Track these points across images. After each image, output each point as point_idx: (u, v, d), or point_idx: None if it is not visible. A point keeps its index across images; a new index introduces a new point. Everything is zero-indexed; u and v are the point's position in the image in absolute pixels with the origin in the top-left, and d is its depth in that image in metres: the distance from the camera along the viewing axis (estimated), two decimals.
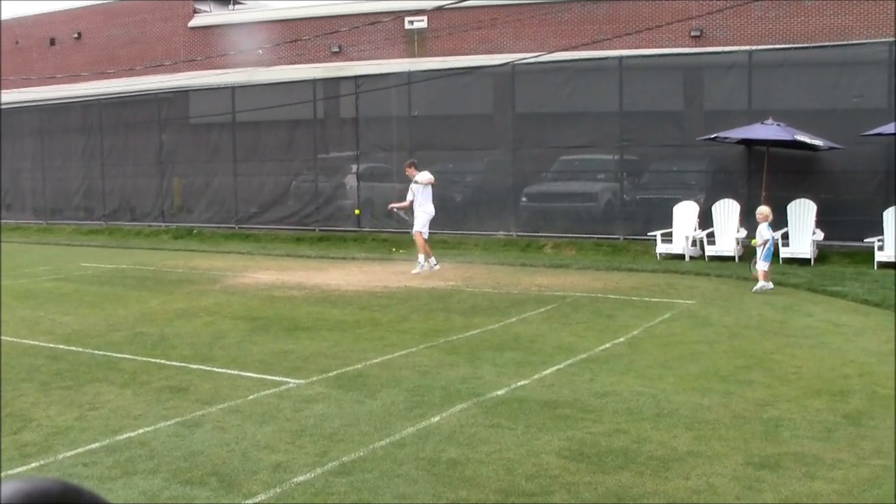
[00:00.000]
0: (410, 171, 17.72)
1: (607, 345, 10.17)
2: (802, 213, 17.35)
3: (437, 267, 17.24)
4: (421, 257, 17.32)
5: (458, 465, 6.13)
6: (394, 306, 13.35)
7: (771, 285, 14.20)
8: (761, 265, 14.32)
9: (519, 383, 8.38)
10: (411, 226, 17.71)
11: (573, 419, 7.18)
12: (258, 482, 5.91)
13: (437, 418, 7.27)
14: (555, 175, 21.71)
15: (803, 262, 16.74)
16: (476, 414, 7.39)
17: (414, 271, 17.06)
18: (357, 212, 20.56)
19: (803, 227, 17.31)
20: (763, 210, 14.78)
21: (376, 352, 9.95)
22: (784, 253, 17.19)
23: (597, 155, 21.03)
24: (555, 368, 8.97)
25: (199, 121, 28.02)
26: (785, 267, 16.54)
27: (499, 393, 8.04)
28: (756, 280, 14.43)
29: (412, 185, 17.53)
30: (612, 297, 13.84)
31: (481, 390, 8.13)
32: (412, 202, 17.55)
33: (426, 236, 17.52)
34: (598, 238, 20.31)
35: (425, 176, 17.46)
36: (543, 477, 5.90)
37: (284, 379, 8.69)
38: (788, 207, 17.61)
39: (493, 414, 7.38)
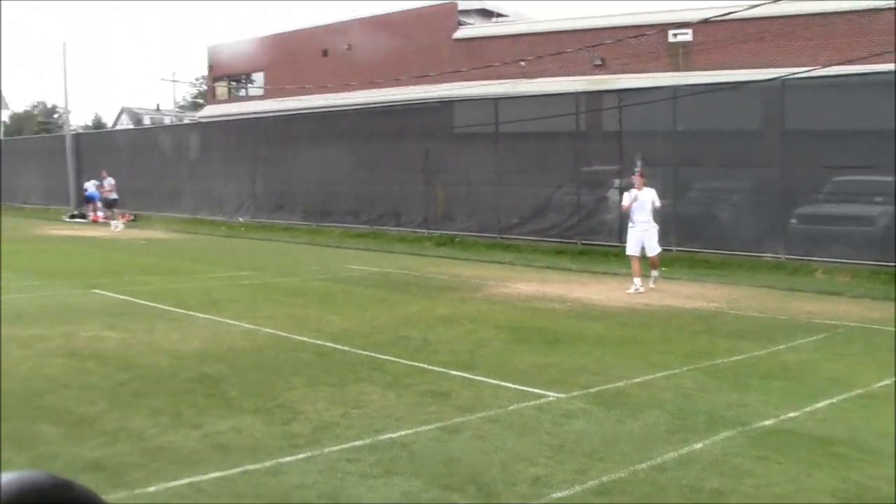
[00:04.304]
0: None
1: (887, 381, 9.45)
2: None
3: (639, 290, 16.58)
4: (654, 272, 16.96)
5: (723, 496, 5.89)
6: (655, 325, 13.06)
7: None
8: None
9: (788, 415, 7.94)
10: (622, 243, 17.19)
11: (849, 459, 6.71)
12: (516, 494, 5.89)
13: (700, 445, 7.01)
14: (827, 196, 20.59)
15: None
16: (742, 444, 7.07)
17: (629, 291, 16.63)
18: None
19: None
20: None
21: (638, 371, 9.74)
22: None
23: (874, 176, 19.76)
24: (827, 402, 8.44)
25: (462, 131, 28.56)
26: None
27: (766, 423, 7.66)
28: None
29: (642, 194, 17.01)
30: (892, 329, 12.90)
31: (747, 419, 7.77)
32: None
33: (632, 253, 16.99)
34: (875, 265, 19.03)
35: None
36: None
37: (545, 392, 8.64)
38: None
39: (759, 445, 7.03)
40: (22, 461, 6.44)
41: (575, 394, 8.59)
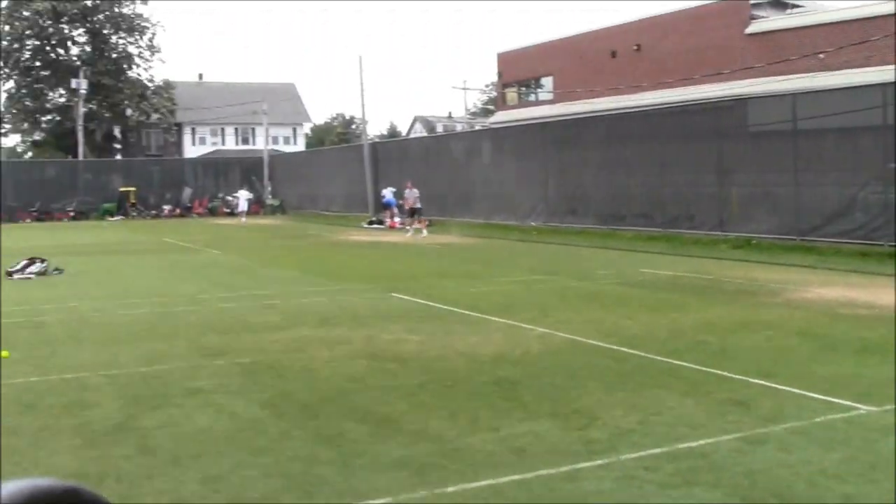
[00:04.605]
0: None
1: None
2: None
3: None
4: None
5: None
6: None
7: None
8: None
9: None
10: None
11: None
12: None
13: None
14: None
15: None
16: None
17: None
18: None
19: None
20: None
21: None
22: None
23: None
24: None
25: (758, 129, 27.59)
26: None
27: None
28: None
29: None
30: None
31: None
32: None
33: None
34: None
35: None
36: None
37: (854, 404, 8.14)
38: None
39: None
40: (329, 457, 6.81)
41: (889, 408, 8.01)
